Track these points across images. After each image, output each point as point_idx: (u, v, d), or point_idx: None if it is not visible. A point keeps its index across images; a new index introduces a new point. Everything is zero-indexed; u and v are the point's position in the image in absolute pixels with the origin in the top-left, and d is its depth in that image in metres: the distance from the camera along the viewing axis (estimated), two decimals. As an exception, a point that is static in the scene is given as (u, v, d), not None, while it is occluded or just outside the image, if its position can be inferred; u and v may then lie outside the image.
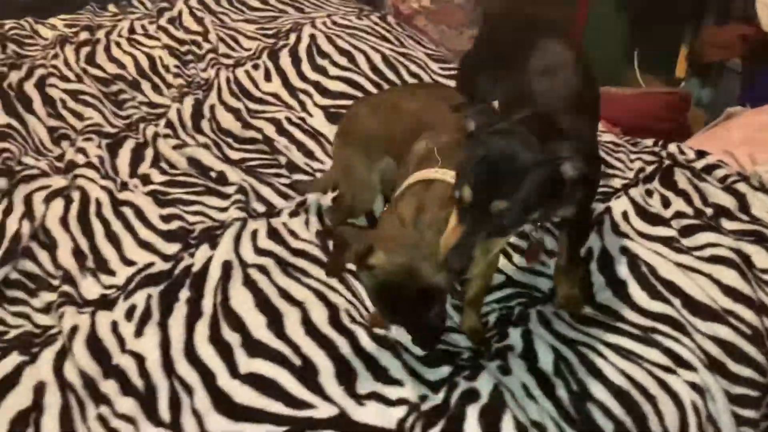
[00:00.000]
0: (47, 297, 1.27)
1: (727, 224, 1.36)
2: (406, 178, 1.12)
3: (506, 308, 1.25)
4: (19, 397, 1.08)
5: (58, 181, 1.50)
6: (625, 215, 1.38)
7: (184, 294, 1.23)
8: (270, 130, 1.70)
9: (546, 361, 1.11)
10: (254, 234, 1.35)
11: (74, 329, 1.16)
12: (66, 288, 1.26)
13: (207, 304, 1.20)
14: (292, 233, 1.37)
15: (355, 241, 1.00)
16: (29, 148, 1.65)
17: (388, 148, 1.29)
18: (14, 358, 1.13)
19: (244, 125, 1.73)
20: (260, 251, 1.31)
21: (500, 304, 1.26)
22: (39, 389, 1.09)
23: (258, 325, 1.15)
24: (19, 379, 1.10)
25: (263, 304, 1.18)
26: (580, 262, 1.26)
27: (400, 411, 1.03)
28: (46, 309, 1.25)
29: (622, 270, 1.24)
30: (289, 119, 1.73)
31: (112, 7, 2.38)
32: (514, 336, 1.16)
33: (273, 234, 1.36)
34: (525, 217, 0.96)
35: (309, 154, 1.65)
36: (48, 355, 1.14)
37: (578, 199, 1.08)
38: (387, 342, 1.14)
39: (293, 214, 1.40)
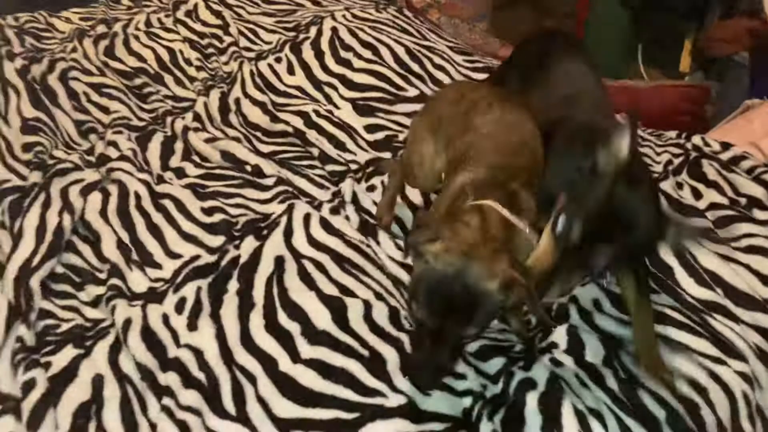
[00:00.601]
0: (94, 290, 1.27)
1: (760, 214, 1.39)
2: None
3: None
4: (79, 390, 1.08)
5: (91, 175, 1.51)
6: (660, 207, 1.41)
7: (233, 285, 1.24)
8: (298, 122, 1.71)
9: (593, 354, 1.13)
10: (306, 223, 1.35)
11: (128, 322, 1.17)
12: (114, 281, 1.26)
13: (258, 295, 1.21)
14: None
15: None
16: (59, 142, 1.64)
17: (447, 145, 1.25)
18: (69, 351, 1.13)
19: (272, 119, 1.73)
20: (315, 244, 1.31)
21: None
22: (97, 382, 1.10)
23: (321, 317, 1.16)
24: (77, 372, 1.10)
25: (325, 298, 1.19)
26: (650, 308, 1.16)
27: (467, 401, 1.05)
28: (95, 302, 1.26)
29: (666, 255, 1.26)
30: (317, 112, 1.73)
31: (125, 0, 2.37)
32: (559, 332, 1.18)
33: (326, 225, 1.35)
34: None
35: (340, 145, 1.65)
36: (102, 348, 1.15)
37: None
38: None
39: (334, 210, 1.40)
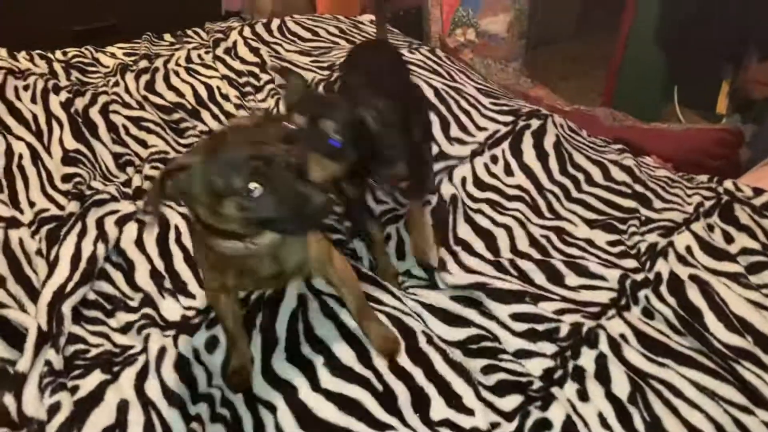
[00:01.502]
0: (124, 317, 1.30)
1: (792, 262, 1.37)
2: None
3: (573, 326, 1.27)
4: (104, 415, 1.10)
5: (127, 206, 1.54)
6: (689, 250, 1.40)
7: (259, 320, 1.26)
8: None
9: (620, 387, 1.12)
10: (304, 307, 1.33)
11: (162, 350, 1.19)
12: (147, 310, 1.29)
13: (280, 329, 1.23)
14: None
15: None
16: (97, 174, 1.70)
17: None
18: (97, 376, 1.16)
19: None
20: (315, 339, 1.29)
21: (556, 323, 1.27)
22: (122, 406, 1.11)
23: (348, 357, 1.17)
24: (103, 397, 1.12)
25: (348, 336, 1.20)
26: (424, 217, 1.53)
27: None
28: (124, 329, 1.28)
29: (695, 296, 1.25)
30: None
31: (168, 37, 2.46)
32: (587, 357, 1.18)
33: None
34: (352, 150, 1.17)
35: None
36: (129, 374, 1.16)
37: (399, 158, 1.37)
38: (461, 368, 1.16)
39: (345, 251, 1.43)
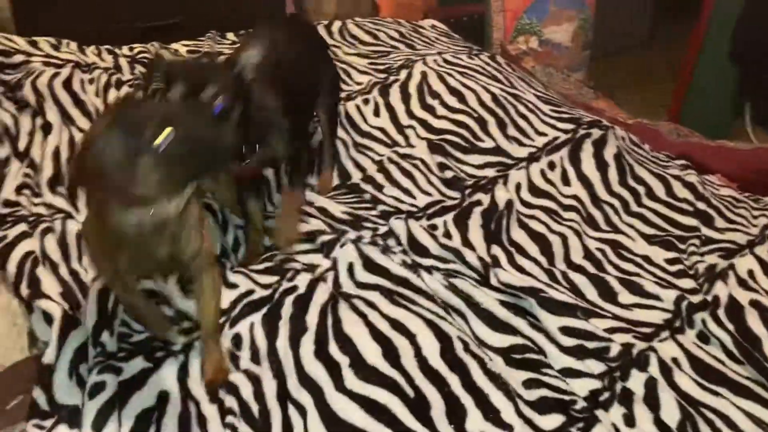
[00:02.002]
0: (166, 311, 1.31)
1: None
2: None
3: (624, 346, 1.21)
4: (145, 398, 1.11)
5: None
6: (751, 274, 1.33)
7: (287, 311, 1.26)
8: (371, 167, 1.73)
9: (670, 414, 1.07)
10: (351, 272, 1.35)
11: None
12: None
13: (311, 320, 1.23)
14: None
15: None
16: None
17: None
18: (139, 363, 1.17)
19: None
20: (362, 285, 1.32)
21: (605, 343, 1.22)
22: (163, 395, 1.12)
23: (373, 354, 1.15)
24: (146, 381, 1.14)
25: (377, 335, 1.19)
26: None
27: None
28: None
29: (755, 323, 1.18)
30: (390, 158, 1.74)
31: (231, 35, 2.50)
32: (637, 380, 1.14)
33: (371, 268, 1.36)
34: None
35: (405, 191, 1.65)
36: (170, 365, 1.17)
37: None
38: (500, 380, 1.12)
39: (380, 250, 1.40)
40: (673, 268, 1.45)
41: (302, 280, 1.32)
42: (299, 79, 1.50)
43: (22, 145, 1.70)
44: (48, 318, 1.21)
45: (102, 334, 1.18)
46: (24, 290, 1.27)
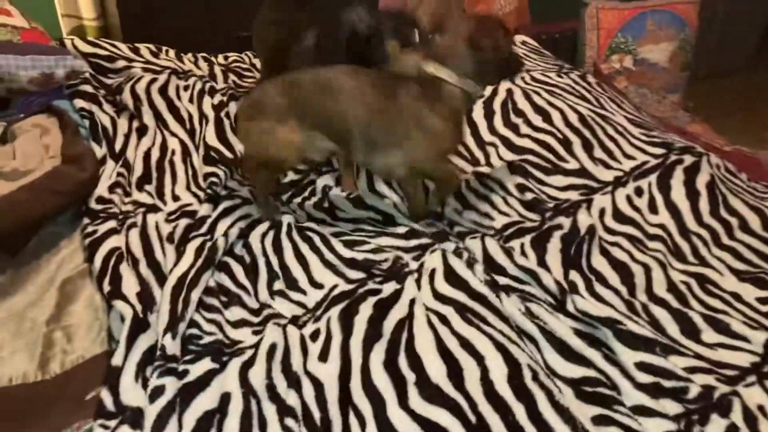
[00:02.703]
0: (239, 312, 1.34)
1: None
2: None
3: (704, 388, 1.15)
4: (207, 400, 1.13)
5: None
6: None
7: (366, 311, 1.26)
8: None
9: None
10: (432, 278, 1.35)
11: (273, 346, 1.22)
12: (267, 310, 1.33)
13: (387, 327, 1.23)
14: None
15: None
16: (236, 172, 1.76)
17: (317, 123, 1.46)
18: (207, 364, 1.19)
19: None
20: (440, 297, 1.31)
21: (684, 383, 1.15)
22: (225, 396, 1.14)
23: (437, 373, 1.13)
24: (210, 383, 1.16)
25: (444, 352, 1.17)
26: None
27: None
28: (236, 324, 1.31)
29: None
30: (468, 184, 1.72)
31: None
32: (716, 426, 1.07)
33: (451, 279, 1.35)
34: None
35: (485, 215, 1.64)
36: (236, 364, 1.19)
37: None
38: (568, 414, 1.07)
39: (464, 263, 1.38)
40: (765, 308, 1.35)
41: (388, 287, 1.33)
42: None
43: (117, 146, 1.79)
44: (122, 318, 1.26)
45: (165, 337, 1.21)
46: (106, 287, 1.33)
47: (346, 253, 1.44)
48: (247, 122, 1.52)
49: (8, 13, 1.89)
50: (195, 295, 1.31)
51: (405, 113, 1.41)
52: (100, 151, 1.74)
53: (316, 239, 1.48)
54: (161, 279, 1.37)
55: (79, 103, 1.84)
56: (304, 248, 1.46)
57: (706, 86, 3.76)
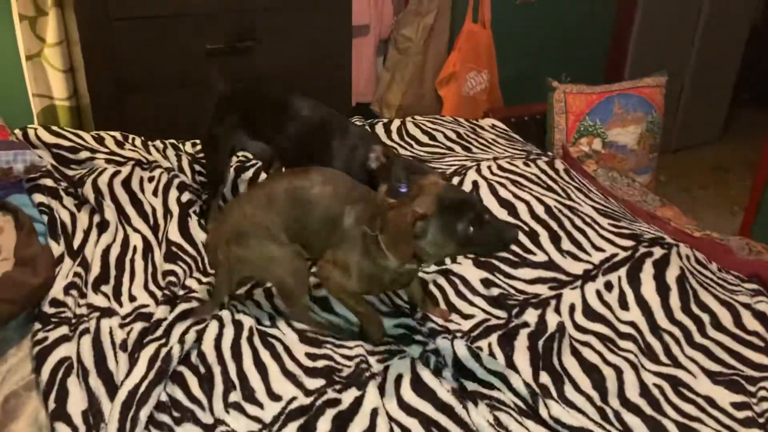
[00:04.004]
0: (190, 429, 1.26)
1: None
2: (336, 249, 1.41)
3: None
4: None
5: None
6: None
7: (324, 427, 1.22)
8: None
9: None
10: (398, 384, 1.31)
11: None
12: (221, 426, 1.25)
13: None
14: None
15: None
16: (194, 269, 1.70)
17: (294, 235, 1.44)
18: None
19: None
20: (405, 407, 1.27)
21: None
22: None
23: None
24: None
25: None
26: None
27: None
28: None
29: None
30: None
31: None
32: None
33: (417, 387, 1.30)
34: None
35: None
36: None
37: None
38: None
39: (430, 371, 1.34)
40: (740, 415, 1.31)
41: (347, 396, 1.28)
42: None
43: (76, 243, 1.74)
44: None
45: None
46: (51, 404, 1.26)
47: (307, 362, 1.39)
48: (238, 249, 1.45)
49: (-32, 106, 1.87)
50: (144, 413, 1.24)
51: (343, 236, 1.38)
52: (57, 248, 1.69)
53: (278, 346, 1.42)
54: (112, 391, 1.30)
55: (38, 197, 1.80)
56: (265, 356, 1.40)
57: (678, 159, 3.81)
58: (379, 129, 2.47)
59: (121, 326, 1.47)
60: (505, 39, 3.41)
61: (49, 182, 1.88)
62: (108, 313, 1.50)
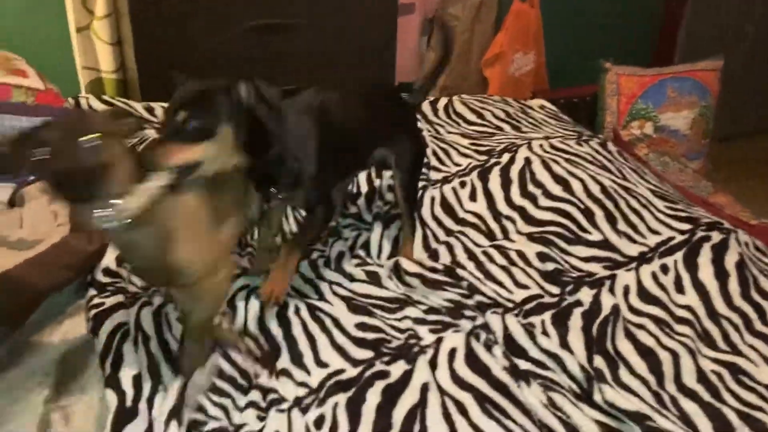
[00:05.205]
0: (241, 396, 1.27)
1: None
2: None
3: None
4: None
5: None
6: None
7: (374, 399, 1.20)
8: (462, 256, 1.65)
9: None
10: (451, 358, 1.29)
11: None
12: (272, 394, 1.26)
13: (398, 416, 1.17)
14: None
15: None
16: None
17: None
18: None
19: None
20: (458, 381, 1.25)
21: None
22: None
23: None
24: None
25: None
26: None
27: None
28: (243, 406, 1.24)
29: None
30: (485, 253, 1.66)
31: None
32: None
33: (471, 362, 1.28)
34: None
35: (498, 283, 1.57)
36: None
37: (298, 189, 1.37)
38: None
39: (482, 345, 1.32)
40: (806, 405, 1.27)
41: (396, 368, 1.27)
42: (345, 136, 1.44)
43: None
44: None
45: (170, 424, 1.15)
46: (107, 368, 1.27)
47: (356, 332, 1.39)
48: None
49: (24, 74, 1.89)
50: (204, 378, 1.25)
51: None
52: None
53: (327, 320, 1.42)
54: (170, 359, 1.31)
55: (91, 165, 1.81)
56: (314, 328, 1.40)
57: (727, 147, 3.70)
58: (426, 107, 2.44)
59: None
60: (551, 19, 3.34)
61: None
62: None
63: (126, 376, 1.26)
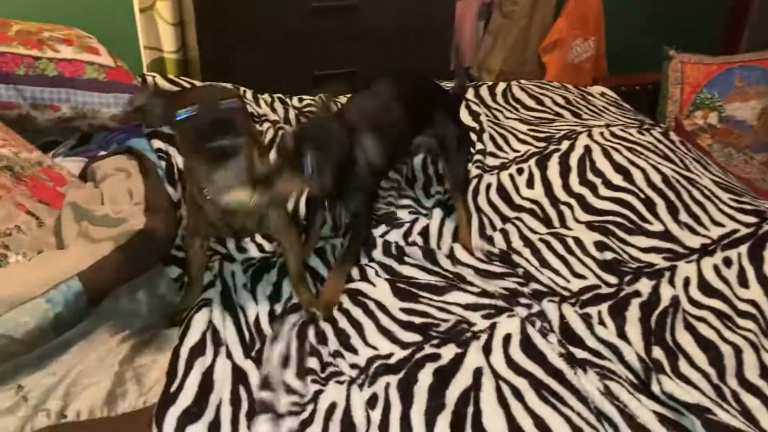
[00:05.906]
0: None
1: None
2: None
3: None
4: None
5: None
6: None
7: (426, 380, 1.21)
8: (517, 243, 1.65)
9: None
10: (506, 344, 1.30)
11: (332, 406, 1.19)
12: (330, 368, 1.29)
13: (451, 397, 1.18)
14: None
15: None
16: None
17: None
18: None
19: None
20: (514, 366, 1.25)
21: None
22: None
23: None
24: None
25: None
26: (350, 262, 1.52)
27: None
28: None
29: None
30: (542, 239, 1.65)
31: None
32: None
33: (527, 348, 1.29)
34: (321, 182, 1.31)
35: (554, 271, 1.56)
36: (292, 423, 1.15)
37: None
38: None
39: (537, 332, 1.32)
40: None
41: (446, 351, 1.28)
42: (396, 133, 1.54)
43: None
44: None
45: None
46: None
47: (403, 316, 1.39)
48: None
49: (96, 51, 1.94)
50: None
51: None
52: (175, 194, 1.75)
53: (371, 304, 1.43)
54: (237, 323, 1.37)
55: (157, 143, 1.86)
56: (358, 313, 1.41)
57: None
58: (484, 92, 2.42)
59: (244, 271, 1.52)
60: (613, 5, 3.27)
61: (166, 128, 1.94)
62: (228, 258, 1.56)
63: (190, 342, 1.30)
